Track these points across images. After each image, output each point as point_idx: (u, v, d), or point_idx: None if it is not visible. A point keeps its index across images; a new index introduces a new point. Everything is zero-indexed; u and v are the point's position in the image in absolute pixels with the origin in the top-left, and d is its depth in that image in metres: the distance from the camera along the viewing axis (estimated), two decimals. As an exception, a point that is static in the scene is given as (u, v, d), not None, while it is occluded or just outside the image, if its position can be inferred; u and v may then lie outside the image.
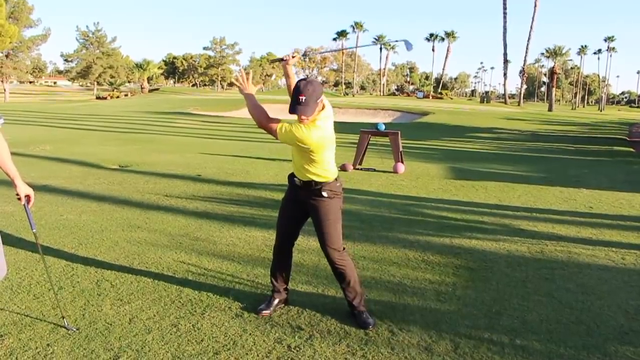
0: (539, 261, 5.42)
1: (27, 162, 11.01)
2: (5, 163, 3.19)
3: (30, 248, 5.25)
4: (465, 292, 4.49)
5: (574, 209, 8.14)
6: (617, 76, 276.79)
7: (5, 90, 56.78)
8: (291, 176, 3.88)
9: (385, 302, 4.23)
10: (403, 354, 3.38)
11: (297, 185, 3.80)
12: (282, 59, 4.09)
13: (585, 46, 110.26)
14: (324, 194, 3.71)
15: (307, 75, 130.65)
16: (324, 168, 3.70)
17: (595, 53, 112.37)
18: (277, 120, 3.60)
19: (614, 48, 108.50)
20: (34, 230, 3.52)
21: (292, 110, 3.52)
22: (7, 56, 56.18)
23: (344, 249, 3.84)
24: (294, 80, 3.92)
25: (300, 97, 3.46)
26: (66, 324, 3.61)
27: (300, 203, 3.85)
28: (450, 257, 5.45)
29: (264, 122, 3.62)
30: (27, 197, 3.35)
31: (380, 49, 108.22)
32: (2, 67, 56.15)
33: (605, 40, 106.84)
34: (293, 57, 4.10)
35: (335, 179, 3.77)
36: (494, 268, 5.15)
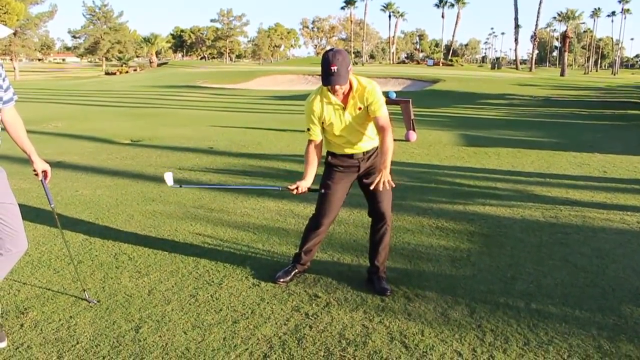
0: (554, 226, 5.41)
1: (40, 139, 11.09)
2: (22, 139, 3.22)
3: (49, 223, 5.32)
4: (480, 258, 4.51)
5: (587, 173, 8.09)
6: (632, 39, 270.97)
7: (14, 68, 56.82)
8: (339, 157, 3.82)
9: (401, 269, 4.26)
10: (420, 320, 3.41)
11: (359, 159, 3.78)
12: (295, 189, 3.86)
13: (599, 9, 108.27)
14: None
15: (316, 45, 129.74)
16: (374, 131, 3.78)
17: (608, 15, 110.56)
18: (382, 128, 3.60)
19: (628, 10, 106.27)
20: (52, 205, 3.56)
21: (326, 82, 3.48)
22: (15, 34, 56.05)
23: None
24: (316, 162, 3.86)
25: (332, 68, 3.41)
26: (87, 296, 3.68)
27: (353, 178, 3.86)
28: (464, 223, 5.46)
29: (391, 135, 3.61)
30: (44, 172, 3.38)
31: (389, 16, 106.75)
32: (10, 45, 56.09)
33: (620, 2, 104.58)
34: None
35: None
36: (508, 234, 5.16)
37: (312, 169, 3.81)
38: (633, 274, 4.19)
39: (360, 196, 3.99)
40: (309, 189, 3.79)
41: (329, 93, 3.61)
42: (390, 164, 3.57)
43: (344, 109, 3.63)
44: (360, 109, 3.62)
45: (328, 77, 3.45)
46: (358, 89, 3.60)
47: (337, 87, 3.49)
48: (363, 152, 3.79)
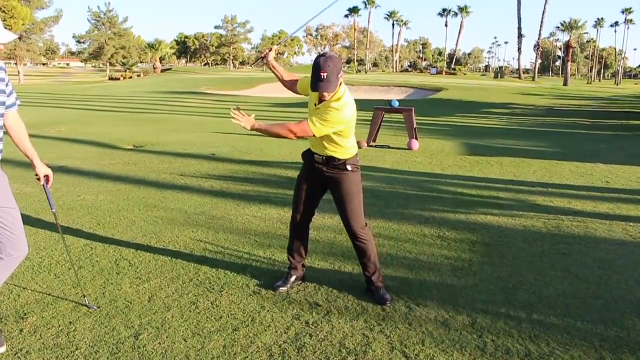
0: (556, 236, 5.39)
1: (43, 144, 11.11)
2: (24, 144, 3.22)
3: (50, 229, 5.32)
4: (482, 268, 4.49)
5: (590, 184, 8.07)
6: (635, 49, 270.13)
7: (19, 72, 57.07)
8: (308, 153, 3.88)
9: (402, 278, 4.24)
10: (421, 329, 3.40)
11: (319, 161, 3.78)
12: (262, 58, 4.25)
13: (602, 19, 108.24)
14: (349, 167, 3.72)
15: (319, 53, 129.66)
16: (348, 145, 3.72)
17: (612, 26, 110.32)
18: (301, 122, 3.56)
19: (631, 20, 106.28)
20: (54, 210, 3.56)
21: (315, 88, 3.47)
22: (20, 38, 56.28)
23: (366, 224, 3.85)
24: (281, 71, 4.13)
25: (322, 74, 3.40)
26: (87, 302, 3.67)
27: (319, 179, 3.84)
28: (466, 233, 5.44)
29: (294, 131, 3.54)
30: (46, 177, 3.38)
31: (393, 25, 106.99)
32: (15, 49, 56.32)
33: (623, 13, 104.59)
34: (270, 50, 4.25)
35: (356, 154, 3.79)
36: (511, 243, 5.14)
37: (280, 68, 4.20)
38: (636, 285, 4.16)
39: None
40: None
41: None
42: (259, 130, 3.63)
43: (316, 105, 3.62)
44: None
45: (317, 83, 3.44)
46: (331, 101, 3.53)
47: (325, 94, 3.48)
48: (323, 156, 3.75)
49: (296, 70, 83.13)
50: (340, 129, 3.55)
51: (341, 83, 3.55)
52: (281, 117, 18.95)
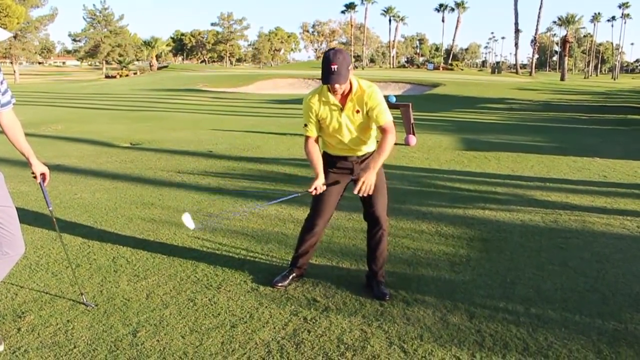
0: (553, 231, 5.40)
1: (39, 142, 11.08)
2: (20, 142, 3.21)
3: (47, 227, 5.30)
4: (480, 263, 4.50)
5: (587, 178, 8.08)
6: (632, 44, 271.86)
7: (15, 71, 56.88)
8: (334, 158, 3.82)
9: (400, 273, 4.24)
10: (419, 324, 3.40)
11: (352, 163, 3.79)
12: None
13: (599, 13, 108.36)
14: None
15: (316, 49, 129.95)
16: (374, 136, 3.79)
17: (608, 20, 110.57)
18: (384, 128, 3.60)
19: (628, 15, 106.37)
20: (50, 209, 3.54)
21: (326, 80, 3.47)
22: (15, 37, 56.10)
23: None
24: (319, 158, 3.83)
25: (332, 66, 3.40)
26: (85, 300, 3.66)
27: (346, 180, 3.85)
28: (463, 228, 5.45)
29: (391, 135, 3.60)
30: (43, 175, 3.37)
31: (390, 21, 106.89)
32: (10, 48, 56.17)
33: (620, 7, 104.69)
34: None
35: None
36: (508, 238, 5.15)
37: (320, 164, 3.77)
38: (633, 278, 4.17)
39: (359, 200, 3.98)
40: (326, 184, 3.76)
41: (327, 92, 3.61)
42: (381, 167, 3.58)
43: (342, 110, 3.62)
44: (358, 112, 3.61)
45: (328, 76, 3.44)
46: (357, 91, 3.60)
47: (336, 86, 3.49)
48: (357, 156, 3.79)
49: (292, 67, 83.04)
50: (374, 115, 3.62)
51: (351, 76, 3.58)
52: (278, 113, 18.94)
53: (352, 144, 3.74)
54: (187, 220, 3.89)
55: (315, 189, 3.68)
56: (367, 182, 3.51)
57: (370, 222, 3.85)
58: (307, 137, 3.78)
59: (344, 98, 3.61)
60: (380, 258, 3.87)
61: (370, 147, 3.80)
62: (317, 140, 3.81)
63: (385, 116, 3.61)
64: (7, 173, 3.19)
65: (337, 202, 3.90)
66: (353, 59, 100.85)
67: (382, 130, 3.62)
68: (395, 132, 3.65)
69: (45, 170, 3.37)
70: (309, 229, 3.95)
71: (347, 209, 5.54)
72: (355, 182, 3.79)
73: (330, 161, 3.84)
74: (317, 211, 3.88)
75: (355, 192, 3.56)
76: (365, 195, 3.58)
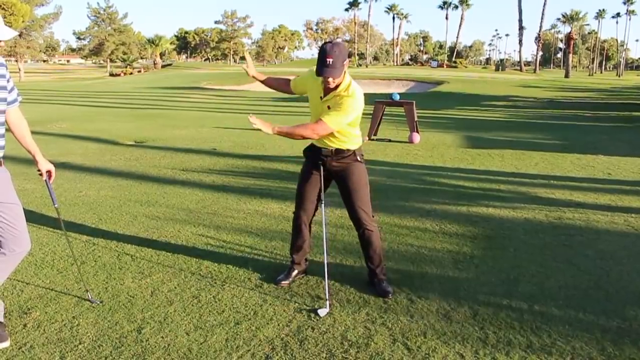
0: (557, 228, 5.40)
1: (44, 140, 11.11)
2: (26, 140, 3.23)
3: (52, 224, 5.33)
4: (483, 260, 4.50)
5: (592, 175, 8.07)
6: (637, 40, 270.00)
7: (19, 69, 56.97)
8: (311, 148, 3.86)
9: (404, 271, 4.25)
10: (422, 321, 3.41)
11: (326, 154, 3.75)
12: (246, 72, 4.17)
13: (603, 10, 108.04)
14: (358, 157, 3.75)
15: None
16: (357, 134, 3.76)
17: (613, 17, 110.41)
18: (318, 121, 3.54)
19: (633, 11, 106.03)
20: (56, 206, 3.56)
21: (320, 72, 3.44)
22: (20, 35, 56.20)
23: (373, 216, 3.86)
24: (265, 79, 4.07)
25: (328, 59, 3.38)
26: (90, 297, 3.68)
27: (325, 173, 3.82)
28: (467, 225, 5.45)
29: (316, 131, 3.53)
30: (49, 172, 3.38)
31: (393, 18, 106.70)
32: (15, 46, 56.24)
33: (624, 3, 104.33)
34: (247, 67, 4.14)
35: (361, 144, 3.83)
36: (512, 236, 5.15)
37: (263, 76, 4.07)
38: (637, 276, 4.17)
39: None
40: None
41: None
42: (280, 133, 3.50)
43: (321, 98, 3.62)
44: (329, 108, 3.58)
45: (322, 68, 3.41)
46: (343, 90, 3.54)
47: (330, 79, 3.47)
48: (331, 150, 3.74)
49: (296, 65, 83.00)
50: (354, 117, 3.57)
51: (345, 71, 3.54)
52: (282, 111, 18.94)
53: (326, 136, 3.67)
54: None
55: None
56: (255, 119, 3.41)
57: (354, 223, 3.88)
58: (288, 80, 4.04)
59: (329, 89, 3.56)
60: (374, 257, 3.88)
61: (346, 144, 3.72)
62: (287, 84, 4.01)
63: (333, 118, 3.50)
64: (13, 171, 3.21)
65: (319, 194, 3.88)
66: (357, 57, 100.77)
67: (317, 121, 3.55)
68: (316, 136, 3.56)
69: (51, 167, 3.39)
70: (294, 221, 4.03)
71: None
72: (337, 183, 3.84)
73: (307, 152, 3.91)
74: (297, 202, 3.96)
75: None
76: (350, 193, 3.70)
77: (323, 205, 3.86)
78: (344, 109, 3.50)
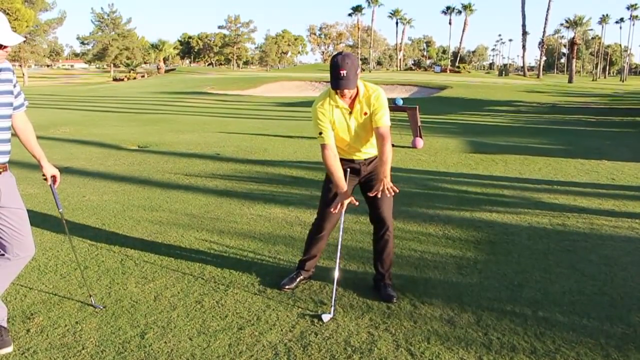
0: (561, 233, 5.38)
1: (48, 145, 11.14)
2: (31, 144, 3.25)
3: (55, 229, 5.34)
4: (487, 265, 4.49)
5: (595, 180, 8.05)
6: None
7: (24, 74, 57.25)
8: (343, 161, 3.76)
9: (407, 276, 4.24)
10: (426, 327, 3.40)
11: (361, 163, 3.81)
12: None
13: (607, 15, 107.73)
14: None
15: (323, 52, 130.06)
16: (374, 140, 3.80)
17: (617, 22, 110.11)
18: (379, 130, 3.59)
19: (637, 16, 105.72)
20: (61, 210, 3.57)
21: (335, 85, 3.48)
22: (24, 40, 56.38)
23: None
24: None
25: (341, 72, 3.42)
26: (93, 302, 3.68)
27: (357, 183, 3.87)
28: (471, 230, 5.44)
29: (386, 139, 3.58)
30: (53, 177, 3.39)
31: (397, 23, 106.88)
32: (20, 51, 56.51)
33: (628, 9, 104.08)
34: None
35: None
36: (515, 241, 5.13)
37: (343, 176, 3.67)
38: (641, 282, 4.15)
39: (365, 203, 3.99)
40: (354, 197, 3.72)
41: (336, 96, 3.61)
42: (391, 171, 3.58)
43: (350, 113, 3.64)
44: (366, 114, 3.63)
45: (337, 81, 3.46)
46: (365, 93, 3.62)
47: (345, 91, 3.50)
48: (364, 159, 3.81)
49: (299, 70, 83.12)
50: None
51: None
52: (285, 116, 18.96)
53: (359, 146, 3.76)
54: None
55: (341, 205, 3.65)
56: (386, 185, 3.53)
57: (377, 223, 3.85)
58: (323, 146, 3.64)
59: (352, 101, 3.62)
60: (387, 260, 3.88)
61: (375, 148, 3.80)
62: (334, 148, 3.66)
63: (387, 120, 3.63)
64: (16, 175, 3.21)
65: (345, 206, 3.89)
66: (360, 62, 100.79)
67: (380, 135, 3.60)
68: (394, 136, 3.65)
69: (56, 172, 3.40)
70: (316, 232, 3.99)
71: (354, 211, 5.52)
72: (362, 185, 3.83)
73: (346, 163, 3.85)
74: (325, 214, 3.89)
75: (372, 193, 3.60)
76: (382, 195, 3.60)
77: (343, 211, 3.82)
78: (382, 104, 3.62)
